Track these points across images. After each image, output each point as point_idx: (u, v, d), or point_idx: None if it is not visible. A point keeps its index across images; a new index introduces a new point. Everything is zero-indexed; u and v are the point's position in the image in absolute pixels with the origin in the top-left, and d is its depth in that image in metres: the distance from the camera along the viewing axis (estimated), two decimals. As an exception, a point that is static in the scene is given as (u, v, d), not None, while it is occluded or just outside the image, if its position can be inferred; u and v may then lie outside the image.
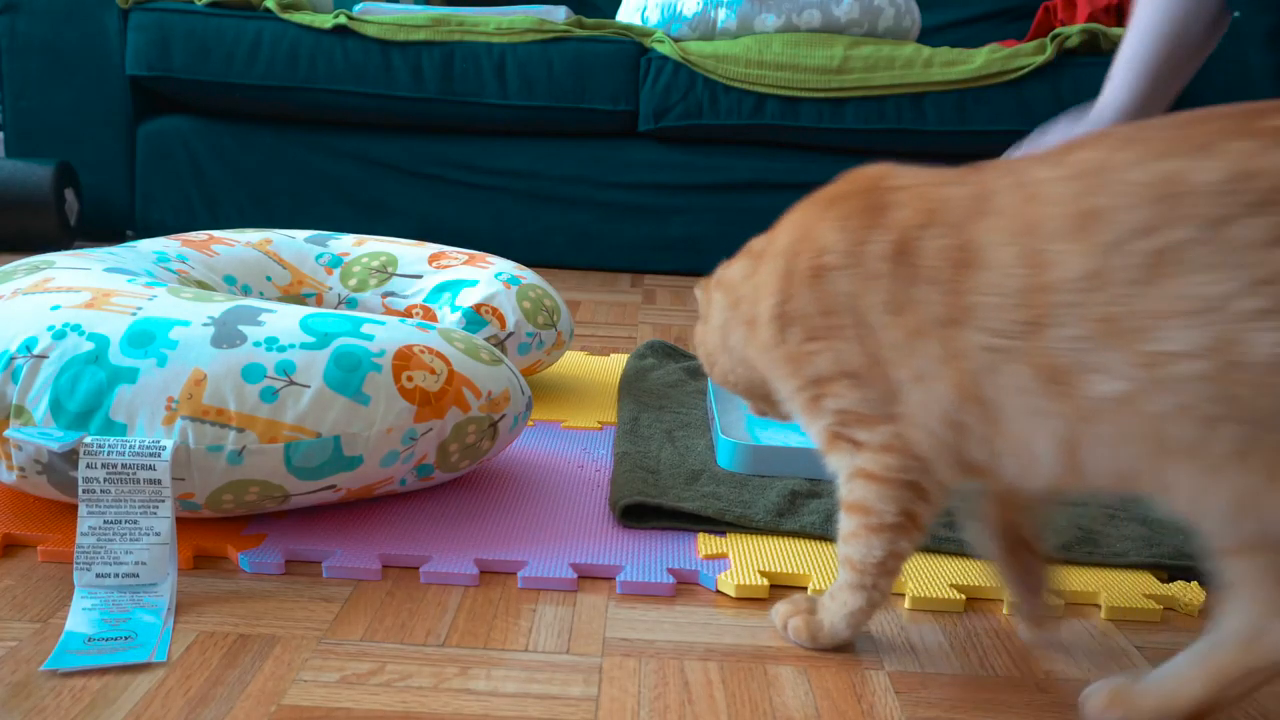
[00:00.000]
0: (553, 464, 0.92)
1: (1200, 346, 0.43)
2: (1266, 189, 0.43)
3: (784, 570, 0.73)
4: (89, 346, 0.70)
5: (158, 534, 0.66)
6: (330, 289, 1.11)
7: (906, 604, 0.70)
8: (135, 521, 0.66)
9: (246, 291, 1.04)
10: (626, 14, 2.18)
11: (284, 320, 0.75)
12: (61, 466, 0.68)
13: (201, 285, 0.97)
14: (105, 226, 2.07)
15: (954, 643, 0.66)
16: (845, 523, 0.60)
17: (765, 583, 0.71)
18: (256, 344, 0.72)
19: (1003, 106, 1.95)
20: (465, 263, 1.12)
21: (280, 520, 0.77)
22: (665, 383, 1.15)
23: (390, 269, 1.12)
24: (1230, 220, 0.43)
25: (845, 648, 0.64)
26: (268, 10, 1.97)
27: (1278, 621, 0.49)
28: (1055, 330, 0.48)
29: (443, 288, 1.09)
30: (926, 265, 0.53)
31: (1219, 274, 0.43)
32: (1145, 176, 0.46)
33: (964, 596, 0.71)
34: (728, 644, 0.65)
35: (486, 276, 1.08)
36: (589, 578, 0.72)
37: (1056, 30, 1.99)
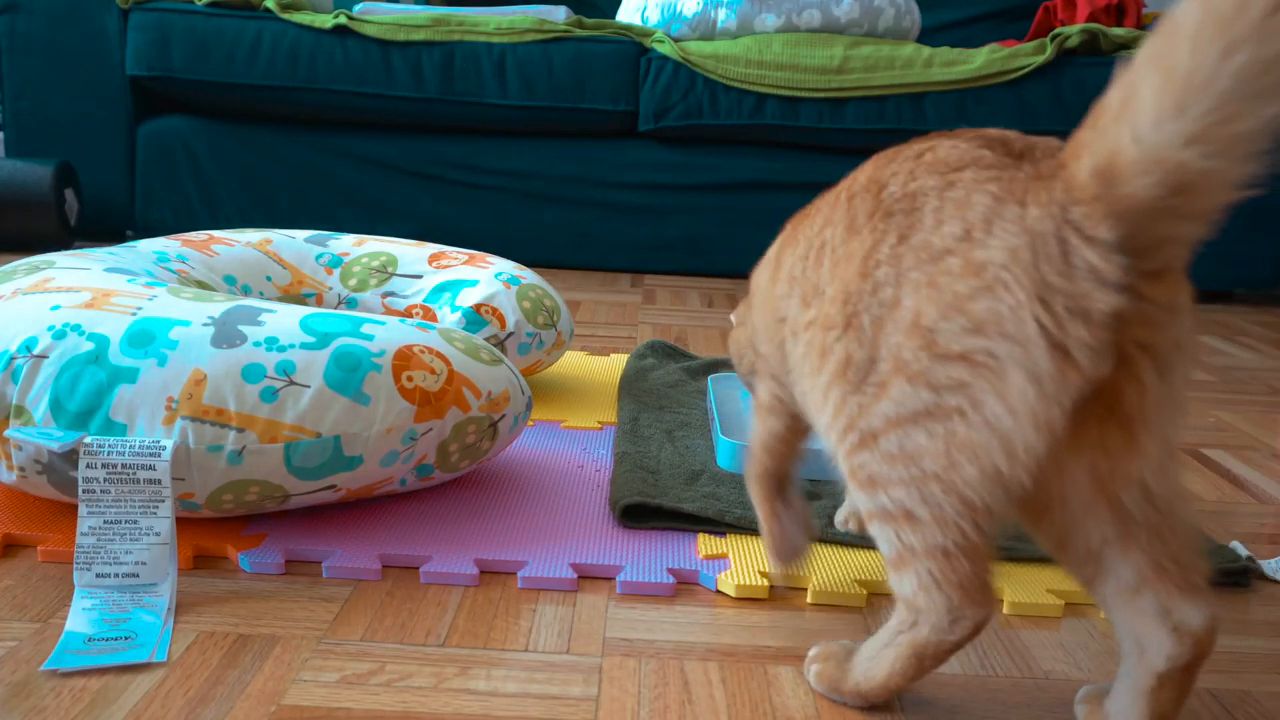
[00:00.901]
0: (553, 464, 0.92)
1: (828, 315, 0.55)
2: (852, 191, 0.56)
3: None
4: (89, 346, 0.70)
5: (158, 534, 0.66)
6: (330, 289, 1.11)
7: (906, 604, 0.70)
8: (135, 521, 0.66)
9: (246, 291, 1.04)
10: (626, 14, 2.18)
11: (284, 320, 0.75)
12: (61, 466, 0.68)
13: (201, 285, 0.97)
14: (105, 226, 2.07)
15: (954, 643, 0.66)
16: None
17: (765, 583, 0.71)
18: (256, 344, 0.72)
19: (1003, 106, 1.95)
20: (465, 263, 1.12)
21: (280, 520, 0.77)
22: (665, 383, 1.15)
23: (390, 269, 1.12)
24: (854, 211, 0.55)
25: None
26: (268, 10, 1.97)
27: (1151, 628, 0.51)
28: (795, 295, 0.60)
29: (443, 288, 1.09)
30: (785, 244, 0.66)
31: (838, 262, 0.55)
32: (841, 186, 0.59)
33: (964, 596, 0.70)
34: (728, 644, 0.65)
35: (486, 276, 1.08)
36: (589, 578, 0.72)
37: (1056, 30, 1.99)
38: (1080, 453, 0.49)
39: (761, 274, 0.70)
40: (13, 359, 0.69)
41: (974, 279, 0.47)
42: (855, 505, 0.56)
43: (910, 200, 0.52)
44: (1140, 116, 0.42)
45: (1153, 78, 0.41)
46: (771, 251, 0.69)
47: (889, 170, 0.55)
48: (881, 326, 0.51)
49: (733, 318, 0.85)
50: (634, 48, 1.98)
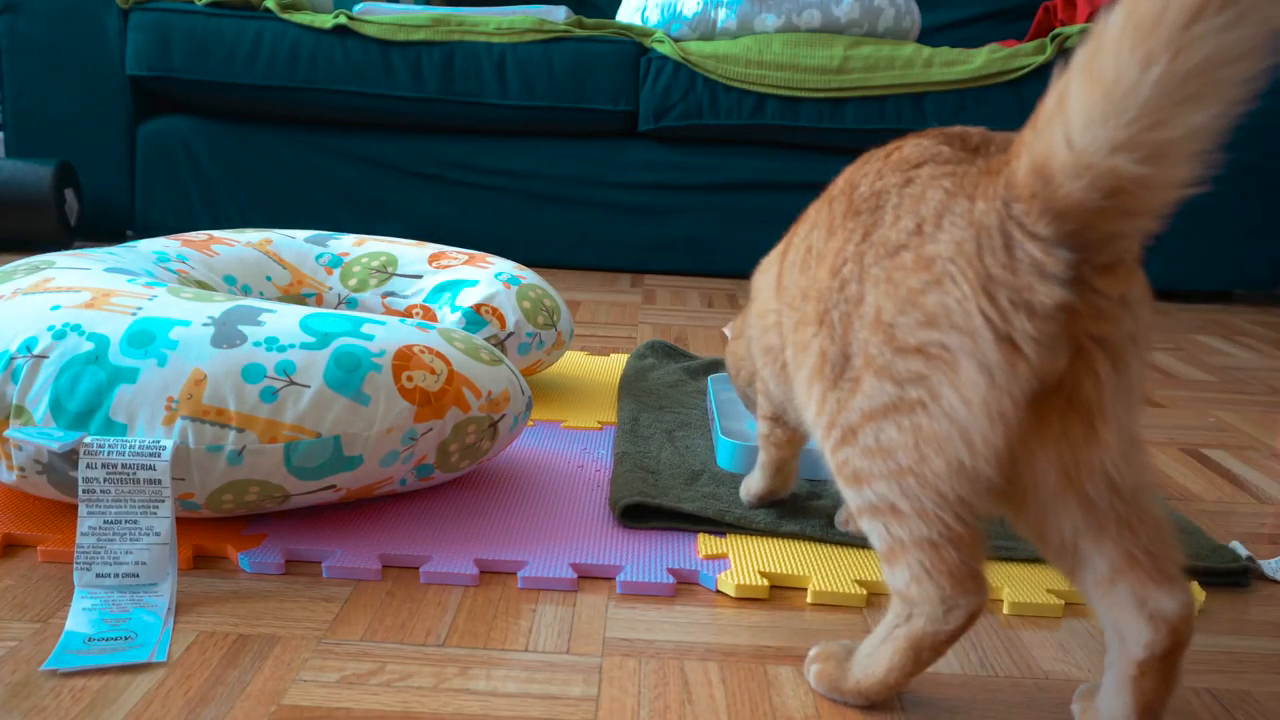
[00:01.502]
0: (553, 464, 0.92)
1: (813, 315, 0.56)
2: (832, 194, 0.58)
3: (784, 571, 0.73)
4: (89, 346, 0.70)
5: (158, 534, 0.66)
6: (330, 289, 1.11)
7: (906, 604, 0.71)
8: (135, 521, 0.66)
9: (246, 291, 1.04)
10: (626, 14, 2.18)
11: (284, 320, 0.75)
12: (61, 466, 0.68)
13: (201, 285, 0.97)
14: (105, 226, 2.07)
15: (954, 643, 0.66)
16: None
17: (765, 583, 0.71)
18: (256, 344, 0.72)
19: (1003, 106, 1.95)
20: (465, 263, 1.12)
21: (280, 520, 0.77)
22: (665, 383, 1.15)
23: (390, 269, 1.12)
24: (834, 213, 0.57)
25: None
26: (268, 10, 1.97)
27: (1128, 617, 0.52)
28: (784, 299, 0.62)
29: (443, 288, 1.09)
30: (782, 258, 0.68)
31: (822, 264, 0.56)
32: (830, 189, 0.60)
33: (964, 596, 0.71)
34: (728, 644, 0.65)
35: (486, 276, 1.08)
36: (589, 578, 0.72)
37: (1056, 30, 1.99)
38: (1046, 444, 0.49)
39: (762, 277, 0.72)
40: (13, 359, 0.69)
41: (925, 273, 0.48)
42: (849, 503, 0.57)
43: (875, 199, 0.53)
44: (1072, 120, 0.42)
45: (1082, 82, 0.41)
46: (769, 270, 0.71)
47: (861, 171, 0.56)
48: (850, 323, 0.52)
49: (727, 331, 0.87)
50: (634, 48, 1.98)
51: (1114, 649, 0.53)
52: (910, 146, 0.54)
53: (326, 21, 1.94)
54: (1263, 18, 0.38)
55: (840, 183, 0.58)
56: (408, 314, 1.09)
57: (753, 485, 0.81)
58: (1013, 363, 0.46)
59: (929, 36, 2.53)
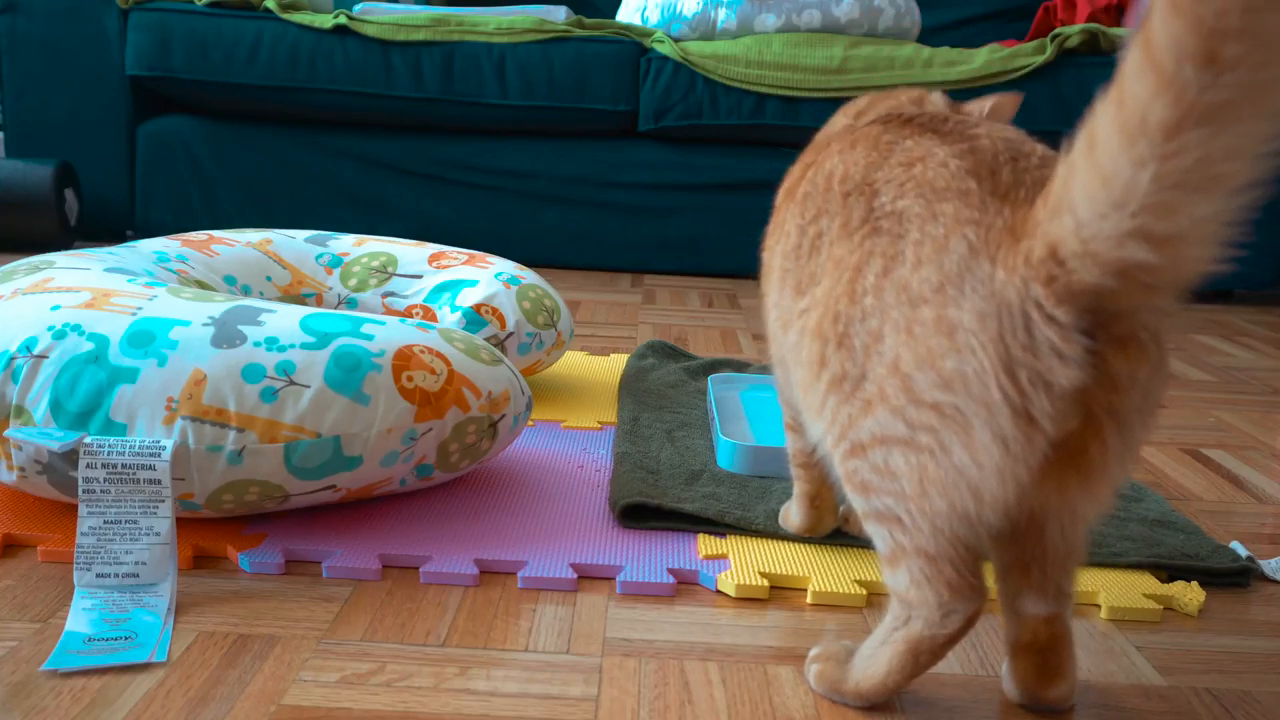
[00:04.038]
0: (553, 464, 0.92)
1: (816, 305, 0.56)
2: (847, 187, 0.56)
3: (784, 571, 0.73)
4: (89, 346, 0.70)
5: (158, 534, 0.66)
6: (330, 289, 1.11)
7: (906, 604, 0.70)
8: (135, 521, 0.66)
9: (246, 291, 1.04)
10: (626, 14, 2.17)
11: (284, 320, 0.75)
12: (61, 466, 0.68)
13: (201, 285, 0.97)
14: (105, 226, 2.07)
15: (954, 643, 0.66)
16: None
17: (765, 583, 0.71)
18: (256, 344, 0.72)
19: (1003, 106, 1.95)
20: (465, 263, 1.12)
21: (280, 520, 0.77)
22: (665, 383, 1.15)
23: (390, 269, 1.12)
24: (850, 211, 0.55)
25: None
26: (268, 10, 1.97)
27: (1007, 606, 0.59)
28: (787, 283, 0.61)
29: (443, 288, 1.09)
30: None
31: (834, 253, 0.56)
32: (830, 168, 0.59)
33: (964, 596, 0.70)
34: (728, 644, 0.65)
35: (486, 276, 1.08)
36: (589, 578, 0.72)
37: (1056, 30, 1.99)
38: (1040, 491, 0.50)
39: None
40: (13, 359, 0.69)
41: (945, 338, 0.48)
42: (854, 506, 0.57)
43: (896, 220, 0.52)
44: (1079, 209, 0.42)
45: (1085, 169, 0.41)
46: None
47: (881, 174, 0.55)
48: (869, 354, 0.52)
49: None
50: (634, 48, 1.98)
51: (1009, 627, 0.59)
52: (935, 168, 0.52)
53: (326, 21, 1.94)
54: (1246, 129, 0.37)
55: (857, 177, 0.56)
56: (408, 314, 1.09)
57: (791, 517, 0.78)
58: (1029, 434, 0.46)
59: (929, 36, 2.53)
